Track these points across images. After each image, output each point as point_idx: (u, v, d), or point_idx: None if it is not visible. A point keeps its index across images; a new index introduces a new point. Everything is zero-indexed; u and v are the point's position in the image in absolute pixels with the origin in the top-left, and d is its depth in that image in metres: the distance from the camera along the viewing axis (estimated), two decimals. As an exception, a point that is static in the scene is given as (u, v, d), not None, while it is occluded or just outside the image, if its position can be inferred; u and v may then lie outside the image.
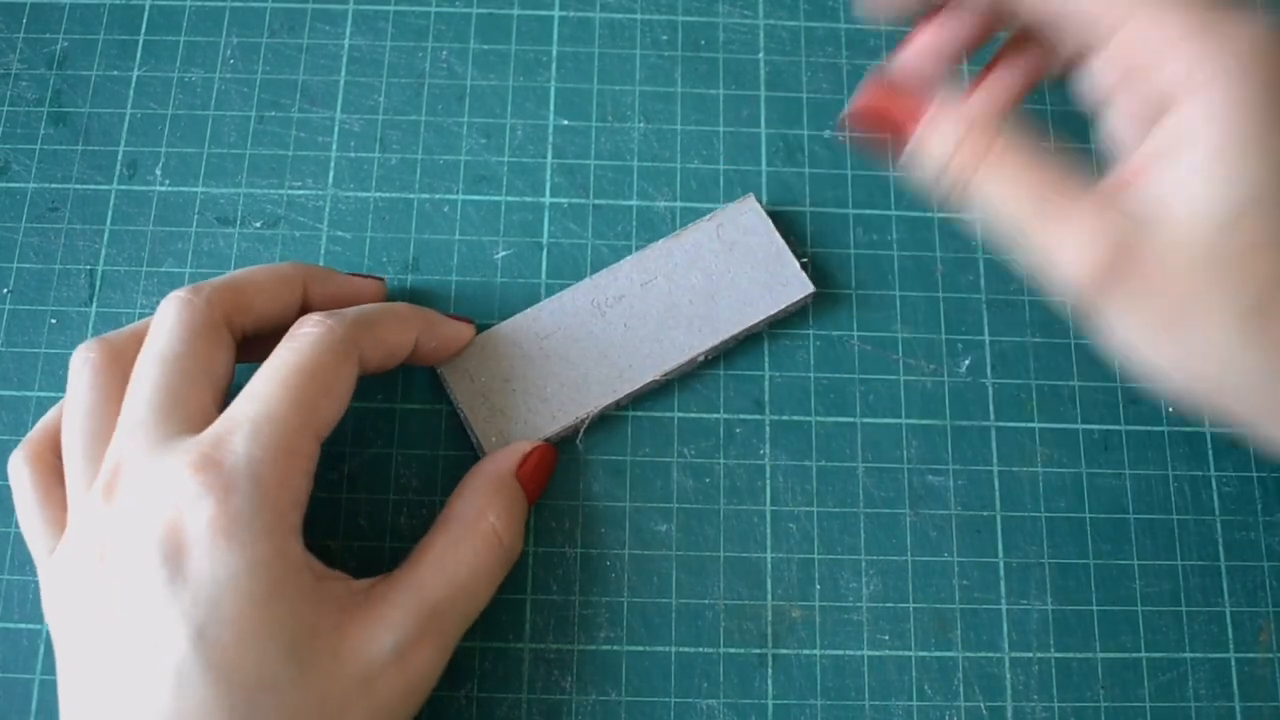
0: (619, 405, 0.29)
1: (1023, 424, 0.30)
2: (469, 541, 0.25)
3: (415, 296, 0.31)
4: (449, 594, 0.24)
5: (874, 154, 0.26)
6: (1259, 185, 0.20)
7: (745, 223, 0.30)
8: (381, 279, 0.30)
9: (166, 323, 0.25)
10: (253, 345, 0.27)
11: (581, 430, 0.29)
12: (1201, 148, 0.21)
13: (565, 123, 0.33)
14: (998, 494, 0.30)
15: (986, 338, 0.31)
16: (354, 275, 0.29)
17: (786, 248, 0.30)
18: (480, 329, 0.29)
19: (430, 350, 0.28)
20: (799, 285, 0.30)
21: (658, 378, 0.29)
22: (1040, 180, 0.22)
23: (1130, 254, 0.21)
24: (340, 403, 0.24)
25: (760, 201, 0.30)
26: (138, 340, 0.26)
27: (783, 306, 0.30)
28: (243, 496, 0.22)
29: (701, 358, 0.29)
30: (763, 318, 0.29)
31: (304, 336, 0.24)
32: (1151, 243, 0.21)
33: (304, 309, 0.27)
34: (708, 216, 0.30)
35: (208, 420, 0.23)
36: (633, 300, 0.30)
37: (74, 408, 0.25)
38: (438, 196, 0.32)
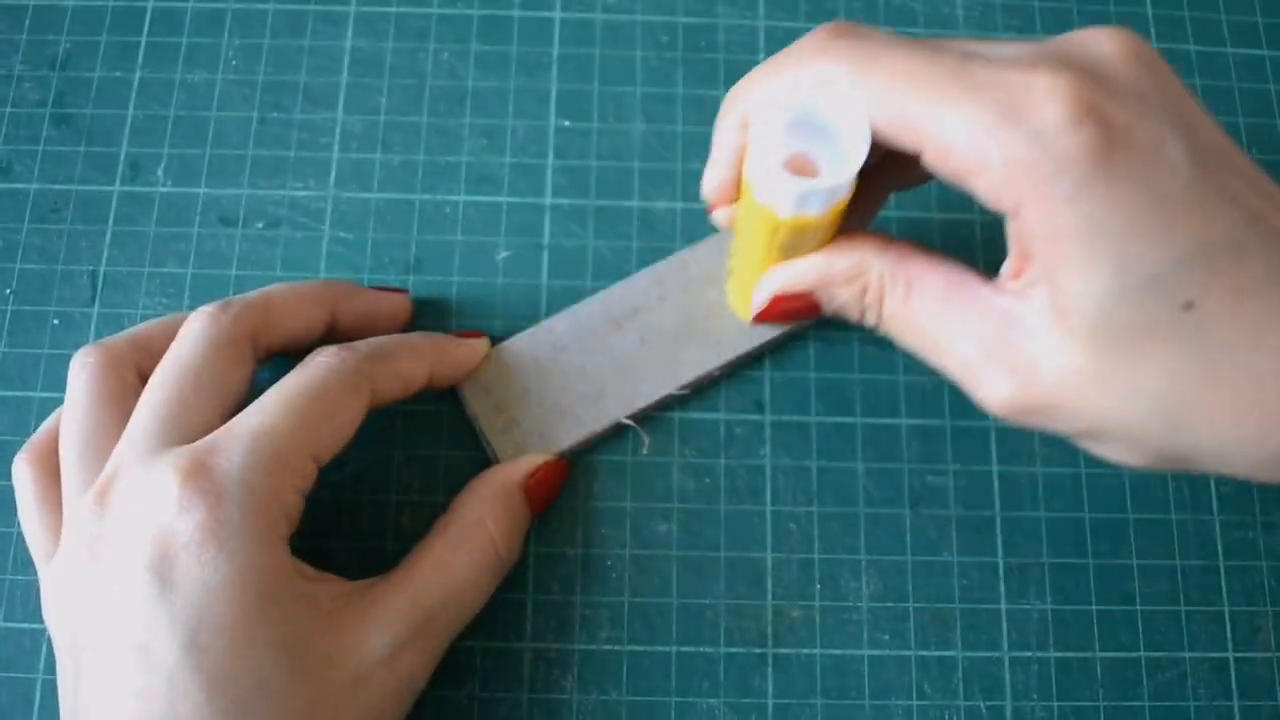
0: (634, 418, 0.29)
1: (1022, 424, 0.30)
2: (466, 548, 0.25)
3: (417, 299, 0.31)
4: (443, 599, 0.25)
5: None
6: (1112, 276, 0.19)
7: None
8: (406, 290, 0.30)
9: (189, 337, 0.25)
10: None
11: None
12: (1040, 260, 0.20)
13: (566, 124, 0.33)
14: (997, 494, 0.30)
15: (986, 338, 0.31)
16: (380, 289, 0.29)
17: None
18: (489, 335, 0.29)
19: (446, 376, 0.28)
20: None
21: (674, 391, 0.29)
22: (935, 311, 0.22)
23: (1036, 383, 0.21)
24: (343, 431, 0.24)
25: None
26: (135, 344, 0.26)
27: (798, 321, 0.30)
28: (232, 503, 0.22)
29: (718, 372, 0.29)
30: (779, 333, 0.29)
31: (316, 365, 0.25)
32: (1049, 373, 0.21)
33: (332, 326, 0.27)
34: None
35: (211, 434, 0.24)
36: (649, 314, 0.29)
37: (70, 412, 0.25)
38: (439, 197, 0.32)
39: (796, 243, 0.23)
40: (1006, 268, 0.22)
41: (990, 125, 0.19)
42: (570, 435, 0.28)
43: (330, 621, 0.23)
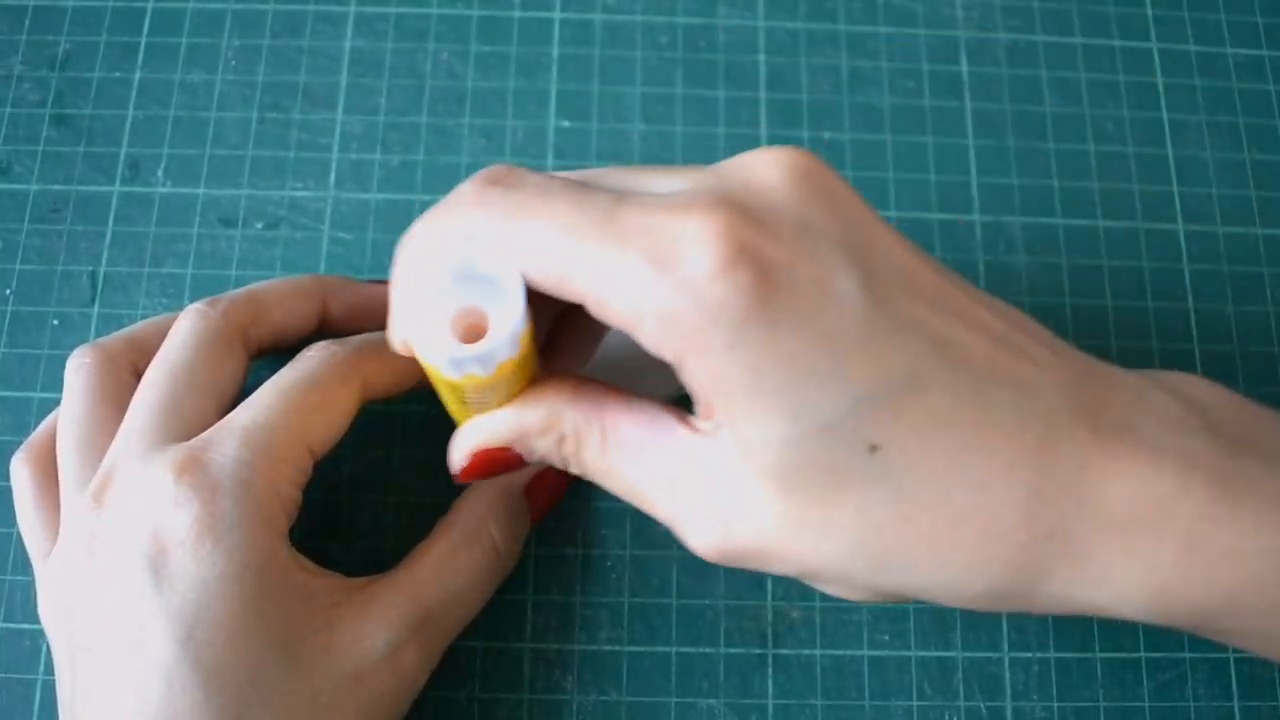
0: None
1: (1022, 425, 0.30)
2: (468, 550, 0.25)
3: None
4: (443, 600, 0.25)
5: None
6: (786, 426, 0.18)
7: None
8: None
9: (180, 334, 0.25)
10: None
11: None
12: (718, 408, 0.19)
13: (566, 124, 0.33)
14: (997, 494, 0.30)
15: (986, 339, 0.31)
16: (373, 282, 0.29)
17: None
18: None
19: None
20: None
21: (674, 391, 0.29)
22: (633, 459, 0.21)
23: (737, 530, 0.20)
24: (336, 423, 0.25)
25: None
26: (132, 344, 0.26)
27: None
28: (228, 497, 0.22)
29: None
30: None
31: (307, 359, 0.25)
32: (747, 519, 0.20)
33: (323, 320, 0.27)
34: None
35: (206, 430, 0.24)
36: None
37: (67, 412, 0.25)
38: (439, 198, 0.32)
39: (482, 398, 0.22)
40: (697, 408, 0.20)
41: (640, 277, 0.18)
42: None
43: (328, 617, 0.23)
